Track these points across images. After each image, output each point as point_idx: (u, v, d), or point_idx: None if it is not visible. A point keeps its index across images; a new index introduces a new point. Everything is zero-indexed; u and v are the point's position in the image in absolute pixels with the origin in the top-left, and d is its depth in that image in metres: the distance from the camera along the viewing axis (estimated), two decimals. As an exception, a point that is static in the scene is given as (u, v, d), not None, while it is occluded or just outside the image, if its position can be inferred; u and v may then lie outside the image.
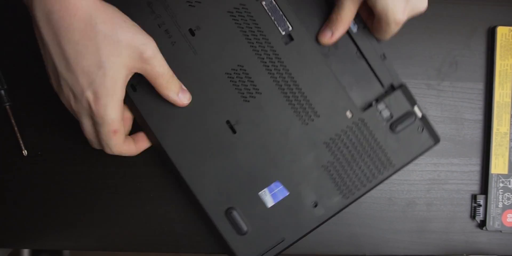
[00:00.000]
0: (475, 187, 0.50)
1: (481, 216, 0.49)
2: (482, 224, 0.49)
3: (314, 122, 0.43)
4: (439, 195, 0.49)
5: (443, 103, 0.49)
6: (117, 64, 0.36)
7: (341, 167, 0.44)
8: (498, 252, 0.49)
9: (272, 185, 0.43)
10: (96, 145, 0.41)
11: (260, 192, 0.43)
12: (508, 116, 0.48)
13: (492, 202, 0.48)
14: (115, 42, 0.35)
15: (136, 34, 0.37)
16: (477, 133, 0.50)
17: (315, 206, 0.44)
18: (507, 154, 0.48)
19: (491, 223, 0.48)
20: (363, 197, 0.45)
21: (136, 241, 0.48)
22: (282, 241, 0.43)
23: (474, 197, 0.49)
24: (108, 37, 0.35)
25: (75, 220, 0.47)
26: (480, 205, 0.49)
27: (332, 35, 0.43)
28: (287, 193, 0.43)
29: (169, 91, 0.40)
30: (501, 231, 0.49)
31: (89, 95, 0.36)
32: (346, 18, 0.42)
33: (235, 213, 0.43)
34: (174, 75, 0.40)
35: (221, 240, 0.43)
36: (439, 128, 0.49)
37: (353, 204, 0.44)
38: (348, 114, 0.44)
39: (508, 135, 0.48)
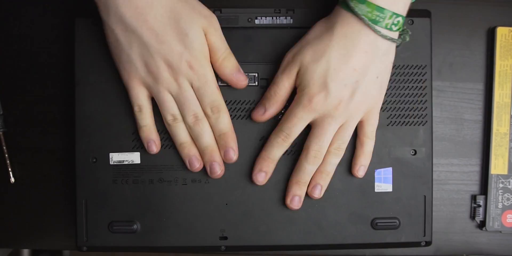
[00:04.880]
0: (475, 188, 0.50)
1: (481, 216, 0.49)
2: (482, 225, 0.49)
3: None
4: (439, 195, 0.49)
5: (443, 103, 0.49)
6: (199, 28, 0.41)
7: None
8: (497, 253, 0.49)
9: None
10: (191, 119, 0.43)
11: None
12: (508, 117, 0.48)
13: (492, 203, 0.48)
14: (194, 12, 0.41)
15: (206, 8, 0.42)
16: (477, 133, 0.50)
17: None
18: (506, 154, 0.48)
19: (490, 224, 0.48)
20: (362, 198, 0.45)
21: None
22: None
23: (474, 198, 0.49)
24: (187, 7, 0.41)
25: (74, 220, 0.47)
26: (479, 206, 0.49)
27: (265, 112, 0.44)
28: None
29: (225, 68, 0.43)
30: (500, 232, 0.49)
31: (188, 57, 0.40)
32: (280, 96, 0.43)
33: None
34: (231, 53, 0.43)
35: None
36: (439, 128, 0.49)
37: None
38: None
39: (507, 136, 0.48)
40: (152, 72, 0.41)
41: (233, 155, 0.43)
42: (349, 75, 0.41)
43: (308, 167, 0.43)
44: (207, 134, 0.43)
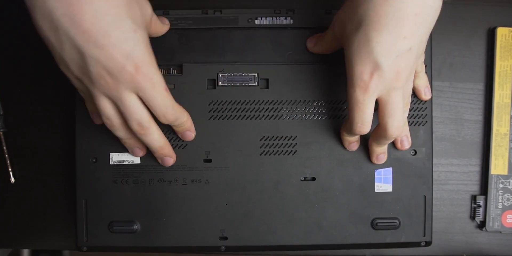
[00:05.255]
0: (475, 188, 0.50)
1: (481, 216, 0.49)
2: (482, 225, 0.49)
3: None
4: (439, 195, 0.49)
5: (443, 103, 0.49)
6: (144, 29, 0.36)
7: None
8: (497, 253, 0.49)
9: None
10: (146, 123, 0.38)
11: None
12: (508, 117, 0.48)
13: (492, 203, 0.48)
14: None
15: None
16: (477, 133, 0.50)
17: None
18: (506, 155, 0.48)
19: (490, 224, 0.48)
20: (362, 198, 0.45)
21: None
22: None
23: (474, 198, 0.49)
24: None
25: (74, 220, 0.47)
26: (479, 206, 0.49)
27: (313, 47, 0.44)
28: None
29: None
30: (500, 232, 0.49)
31: (130, 67, 0.34)
32: (325, 44, 0.43)
33: None
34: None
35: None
36: (439, 129, 0.49)
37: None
38: None
39: (507, 136, 0.48)
40: (92, 83, 0.35)
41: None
42: (399, 46, 0.35)
43: (388, 142, 0.42)
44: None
